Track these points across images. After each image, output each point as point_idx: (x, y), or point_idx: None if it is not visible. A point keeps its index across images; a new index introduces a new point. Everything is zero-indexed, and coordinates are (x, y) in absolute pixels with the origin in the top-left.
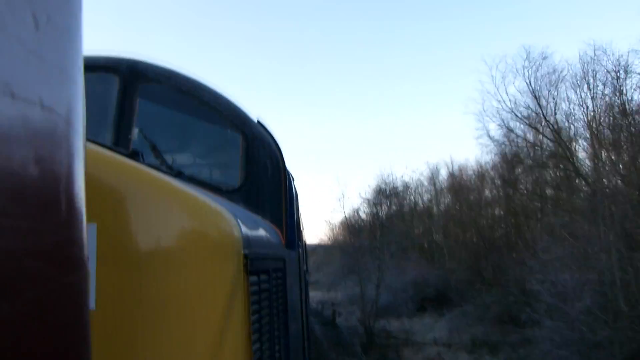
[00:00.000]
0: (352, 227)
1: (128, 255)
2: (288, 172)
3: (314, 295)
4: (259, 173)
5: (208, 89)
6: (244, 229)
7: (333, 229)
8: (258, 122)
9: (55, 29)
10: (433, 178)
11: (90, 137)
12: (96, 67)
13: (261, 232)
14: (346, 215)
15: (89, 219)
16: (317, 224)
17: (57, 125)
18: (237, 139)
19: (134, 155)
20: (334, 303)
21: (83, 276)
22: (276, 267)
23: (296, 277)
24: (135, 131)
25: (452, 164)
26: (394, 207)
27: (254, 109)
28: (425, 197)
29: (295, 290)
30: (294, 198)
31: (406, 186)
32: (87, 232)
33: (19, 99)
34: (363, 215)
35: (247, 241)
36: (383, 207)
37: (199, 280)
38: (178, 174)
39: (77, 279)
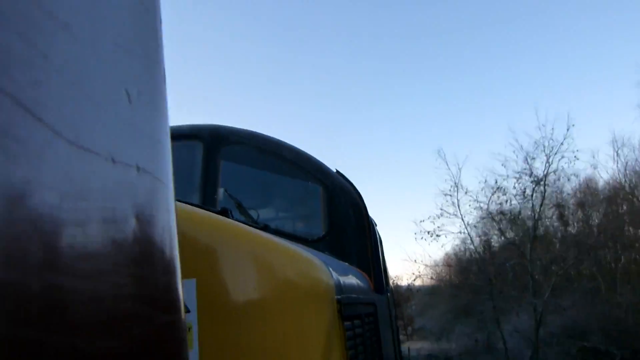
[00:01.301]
0: (473, 256)
1: (227, 308)
2: (370, 217)
3: (420, 346)
4: (341, 221)
5: (286, 146)
6: (335, 275)
7: (436, 265)
8: (337, 171)
9: (144, 101)
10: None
11: (180, 199)
12: (181, 135)
13: (351, 278)
14: (466, 225)
15: (188, 275)
16: (413, 264)
17: (150, 184)
18: (318, 191)
19: (224, 212)
20: (449, 358)
21: (180, 317)
22: (368, 312)
23: (387, 322)
24: (220, 191)
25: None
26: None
27: (332, 156)
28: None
29: (387, 336)
30: (378, 243)
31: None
32: (188, 287)
33: (118, 164)
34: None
35: (339, 287)
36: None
37: (296, 328)
38: (264, 228)
39: (176, 319)
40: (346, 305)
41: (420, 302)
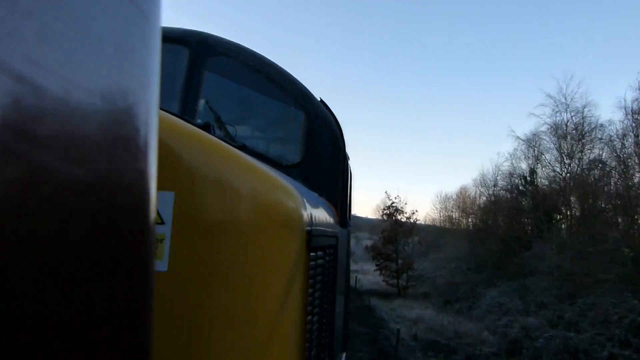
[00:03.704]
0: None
1: (202, 223)
2: (345, 151)
3: (415, 315)
4: (318, 151)
5: (274, 66)
6: (308, 207)
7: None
8: (321, 101)
9: None
10: None
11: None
12: (168, 38)
13: (321, 210)
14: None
15: (167, 188)
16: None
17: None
18: (300, 116)
19: (207, 127)
20: (478, 355)
21: (150, 200)
22: (330, 244)
23: (344, 255)
24: (201, 102)
25: None
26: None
27: (318, 89)
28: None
29: (342, 267)
30: (349, 177)
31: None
32: (165, 199)
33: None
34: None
35: (311, 219)
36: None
37: (266, 253)
38: (242, 147)
39: (145, 207)
40: (314, 237)
41: (425, 240)
